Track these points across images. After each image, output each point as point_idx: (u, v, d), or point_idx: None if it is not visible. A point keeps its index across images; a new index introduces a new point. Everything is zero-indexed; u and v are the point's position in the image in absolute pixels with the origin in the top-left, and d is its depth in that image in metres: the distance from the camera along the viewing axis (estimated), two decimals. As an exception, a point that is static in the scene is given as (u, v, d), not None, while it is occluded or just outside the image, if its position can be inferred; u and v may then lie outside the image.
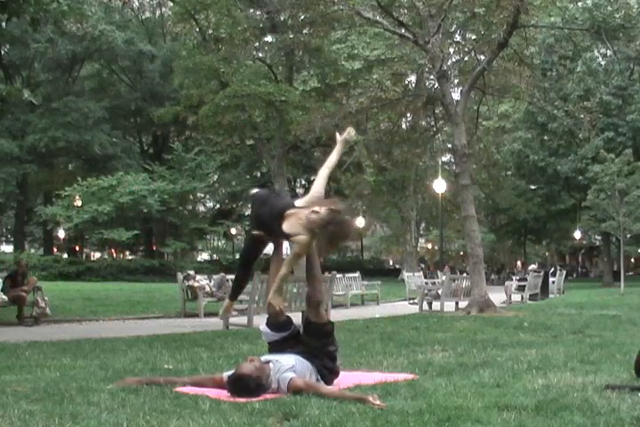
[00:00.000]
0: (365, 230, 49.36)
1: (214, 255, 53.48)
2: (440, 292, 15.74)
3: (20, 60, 40.73)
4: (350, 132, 5.22)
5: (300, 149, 33.82)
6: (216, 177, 43.56)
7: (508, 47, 16.00)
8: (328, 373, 4.95)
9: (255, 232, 5.15)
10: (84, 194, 35.75)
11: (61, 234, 46.01)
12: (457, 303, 15.82)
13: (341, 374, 5.11)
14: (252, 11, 25.87)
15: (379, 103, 19.75)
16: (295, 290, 11.05)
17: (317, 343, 4.92)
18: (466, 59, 18.34)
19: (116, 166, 39.32)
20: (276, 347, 5.03)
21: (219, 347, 7.54)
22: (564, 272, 31.04)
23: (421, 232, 55.66)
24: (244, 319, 11.45)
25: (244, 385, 4.51)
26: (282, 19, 23.33)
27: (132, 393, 4.65)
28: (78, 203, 36.15)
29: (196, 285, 14.34)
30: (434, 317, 12.74)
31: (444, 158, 41.18)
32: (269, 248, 5.25)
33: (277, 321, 5.01)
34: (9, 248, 52.65)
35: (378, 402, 4.15)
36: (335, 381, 5.00)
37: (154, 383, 4.92)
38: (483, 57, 16.85)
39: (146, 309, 15.46)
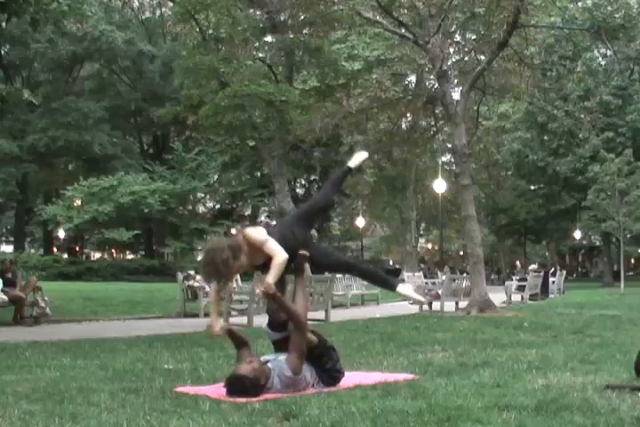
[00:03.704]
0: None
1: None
2: (440, 292, 15.74)
3: (20, 60, 40.73)
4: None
5: (300, 149, 33.83)
6: (216, 177, 43.54)
7: (508, 47, 15.98)
8: (328, 378, 4.97)
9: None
10: (85, 194, 35.75)
11: (61, 234, 46.02)
12: (457, 303, 15.82)
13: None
14: (251, 11, 25.81)
15: (379, 103, 19.77)
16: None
17: (315, 363, 4.93)
18: (466, 59, 18.35)
19: (117, 166, 39.30)
20: (279, 345, 5.03)
21: (219, 347, 7.53)
22: (564, 272, 31.04)
23: (421, 232, 55.68)
24: (244, 319, 11.47)
25: (240, 386, 4.52)
26: (282, 19, 23.30)
27: (132, 393, 4.66)
28: (78, 203, 36.17)
29: (196, 285, 14.34)
30: (434, 317, 12.74)
31: (444, 158, 41.21)
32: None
33: (278, 320, 4.99)
34: (9, 248, 52.62)
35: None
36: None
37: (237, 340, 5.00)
38: (483, 57, 16.86)
39: (146, 309, 15.45)
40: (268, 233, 4.98)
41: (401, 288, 5.27)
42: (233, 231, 5.27)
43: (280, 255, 4.84)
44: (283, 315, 4.97)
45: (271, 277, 4.77)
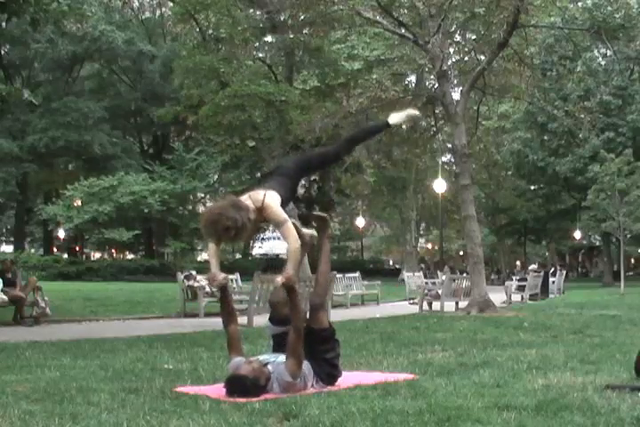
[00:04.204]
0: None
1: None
2: (440, 292, 15.74)
3: (20, 60, 40.73)
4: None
5: (300, 148, 33.77)
6: (216, 177, 43.55)
7: (508, 47, 15.98)
8: (327, 377, 4.95)
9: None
10: (85, 194, 35.76)
11: (61, 234, 46.01)
12: (457, 303, 15.81)
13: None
14: (251, 11, 25.82)
15: (379, 103, 19.73)
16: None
17: (316, 349, 4.91)
18: (466, 59, 18.33)
19: (116, 166, 39.31)
20: (279, 342, 4.99)
21: (219, 347, 7.53)
22: (564, 272, 31.03)
23: (421, 232, 55.66)
24: (244, 319, 11.46)
25: (240, 386, 4.51)
26: (282, 19, 23.30)
27: (132, 393, 4.66)
28: (78, 203, 36.19)
29: (196, 285, 14.33)
30: (434, 317, 12.74)
31: (444, 158, 41.19)
32: (282, 248, 5.19)
33: (280, 314, 4.96)
34: (9, 248, 52.62)
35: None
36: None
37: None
38: (483, 57, 16.84)
39: (146, 309, 15.45)
40: (282, 197, 4.82)
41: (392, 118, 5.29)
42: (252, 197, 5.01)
43: (294, 243, 4.71)
44: (286, 310, 4.91)
45: (291, 268, 4.66)
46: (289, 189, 4.95)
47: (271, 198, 4.73)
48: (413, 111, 5.39)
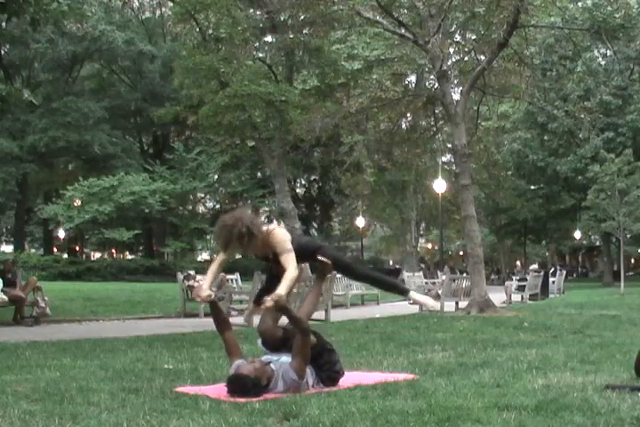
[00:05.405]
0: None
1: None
2: (440, 292, 15.74)
3: (20, 60, 40.70)
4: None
5: (300, 148, 33.78)
6: (216, 177, 43.56)
7: (508, 47, 16.00)
8: (327, 379, 4.97)
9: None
10: (85, 194, 35.75)
11: (61, 234, 46.01)
12: (457, 303, 15.82)
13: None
14: (251, 11, 25.80)
15: (379, 103, 19.74)
16: (295, 290, 11.01)
17: (312, 364, 4.92)
18: (466, 59, 18.35)
19: (116, 166, 39.28)
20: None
21: (219, 347, 7.52)
22: (564, 272, 31.05)
23: (421, 232, 55.64)
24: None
25: (242, 385, 4.52)
26: (282, 19, 23.27)
27: (132, 393, 4.66)
28: (78, 203, 36.20)
29: (195, 285, 14.30)
30: (434, 317, 12.74)
31: (444, 158, 41.15)
32: None
33: (272, 340, 4.95)
34: (9, 248, 52.59)
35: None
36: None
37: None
38: (483, 57, 16.85)
39: (146, 309, 15.45)
40: (292, 241, 5.06)
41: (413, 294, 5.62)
42: (264, 228, 5.28)
43: (294, 271, 4.89)
44: (278, 330, 4.95)
45: (283, 289, 4.77)
46: (301, 245, 5.15)
47: (281, 230, 5.05)
48: (435, 305, 6.04)
